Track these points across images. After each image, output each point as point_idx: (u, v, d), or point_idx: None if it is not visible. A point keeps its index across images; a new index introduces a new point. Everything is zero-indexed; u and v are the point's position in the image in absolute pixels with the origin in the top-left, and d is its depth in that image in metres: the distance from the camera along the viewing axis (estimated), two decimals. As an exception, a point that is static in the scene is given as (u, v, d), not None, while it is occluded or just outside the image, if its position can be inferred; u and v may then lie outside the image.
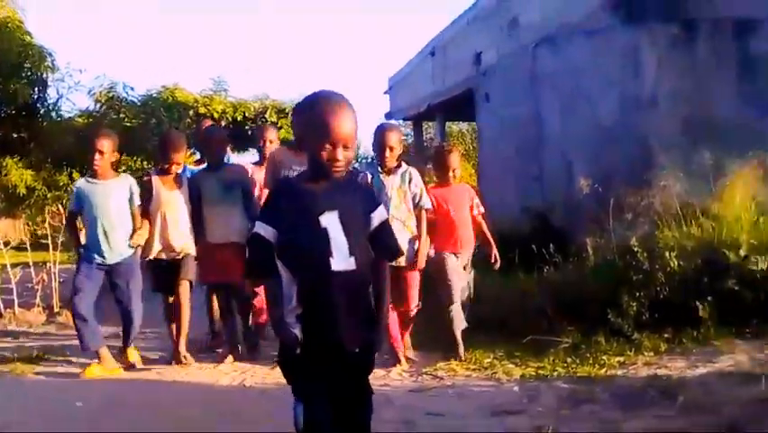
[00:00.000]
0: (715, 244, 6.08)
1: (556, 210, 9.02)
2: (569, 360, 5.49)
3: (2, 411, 4.68)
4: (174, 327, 6.19)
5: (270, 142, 7.03)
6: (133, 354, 6.21)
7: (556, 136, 9.86)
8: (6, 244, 9.10)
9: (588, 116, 9.09)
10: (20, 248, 9.87)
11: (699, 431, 3.76)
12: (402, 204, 5.72)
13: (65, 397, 4.92)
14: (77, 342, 5.97)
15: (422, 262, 5.80)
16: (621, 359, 5.42)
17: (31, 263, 8.95)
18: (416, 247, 5.74)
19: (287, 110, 20.37)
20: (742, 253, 5.78)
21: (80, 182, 6.21)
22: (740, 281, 5.73)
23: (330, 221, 2.69)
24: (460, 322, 5.98)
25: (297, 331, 2.70)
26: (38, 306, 8.57)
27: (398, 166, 5.83)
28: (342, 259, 2.66)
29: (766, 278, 5.71)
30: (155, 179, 6.23)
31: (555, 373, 5.21)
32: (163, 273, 6.18)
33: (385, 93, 20.38)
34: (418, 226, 5.80)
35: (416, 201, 5.80)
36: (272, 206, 2.87)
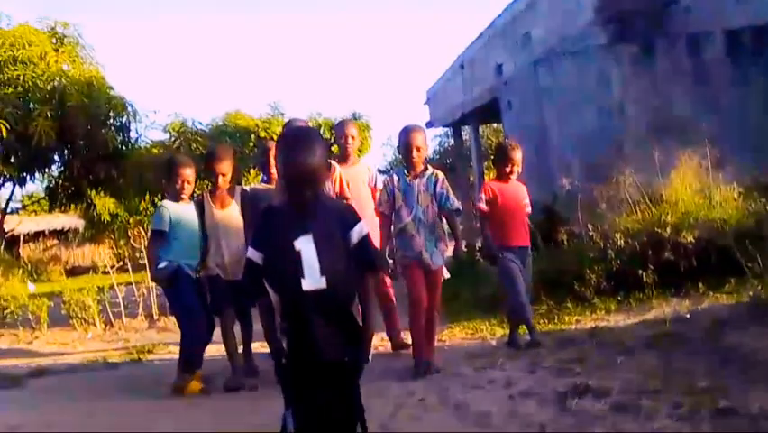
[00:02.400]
0: (655, 225, 7.75)
1: (558, 203, 10.76)
2: (541, 321, 7.20)
3: (133, 382, 6.59)
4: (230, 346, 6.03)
5: (353, 138, 6.73)
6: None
7: (555, 140, 11.60)
8: (113, 266, 11.15)
9: (575, 124, 10.85)
10: (119, 269, 11.97)
11: (602, 354, 5.52)
12: (430, 207, 5.80)
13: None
14: (174, 340, 6.86)
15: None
16: (579, 318, 7.17)
17: (132, 281, 10.90)
18: (444, 250, 5.95)
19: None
20: (668, 230, 7.44)
21: (168, 204, 6.04)
22: (674, 253, 7.41)
23: (303, 244, 2.88)
24: (526, 311, 6.30)
25: (284, 344, 3.00)
26: (141, 315, 10.59)
27: (425, 169, 5.90)
28: (312, 279, 2.86)
29: (695, 249, 7.38)
30: (206, 198, 6.15)
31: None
32: (220, 292, 5.99)
33: (425, 104, 22.15)
34: (452, 228, 6.01)
35: (443, 203, 5.84)
36: (259, 232, 3.10)
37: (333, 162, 6.21)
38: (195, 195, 6.41)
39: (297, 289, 2.86)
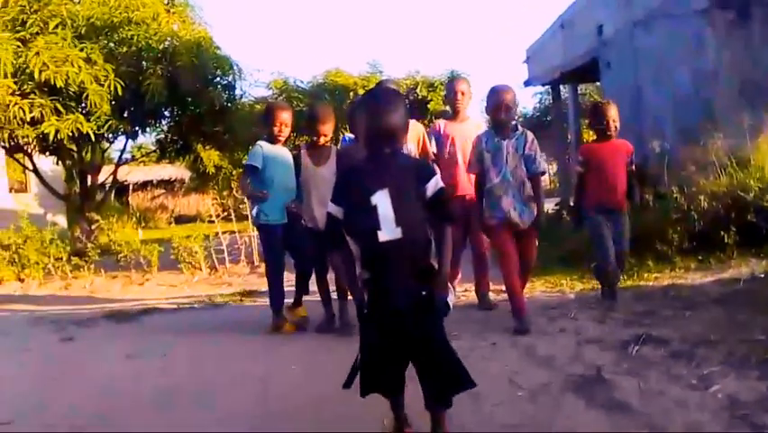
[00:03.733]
0: (740, 188, 7.87)
1: (648, 164, 10.88)
2: (622, 277, 7.40)
3: (236, 320, 7.18)
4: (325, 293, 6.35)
5: (462, 94, 6.83)
6: (304, 311, 6.51)
7: (650, 102, 11.68)
8: (218, 216, 11.88)
9: (670, 87, 10.92)
10: (223, 219, 12.70)
11: (672, 308, 5.80)
12: (518, 168, 5.78)
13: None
14: None
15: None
16: (658, 275, 7.39)
17: (236, 230, 11.61)
18: (533, 209, 5.86)
19: (435, 84, 22.50)
20: (752, 194, 7.55)
21: (263, 144, 6.27)
22: (757, 216, 7.54)
23: (380, 199, 3.09)
24: (615, 277, 6.42)
25: (365, 294, 3.23)
26: (243, 261, 11.27)
27: (515, 129, 5.88)
28: (388, 230, 3.07)
29: (778, 212, 7.49)
30: (303, 153, 6.29)
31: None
32: (314, 244, 6.10)
33: (524, 62, 22.16)
34: (535, 191, 5.87)
35: (530, 166, 5.82)
36: (339, 188, 3.31)
37: (413, 121, 6.17)
38: (292, 144, 6.69)
39: (374, 240, 3.09)
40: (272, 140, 6.29)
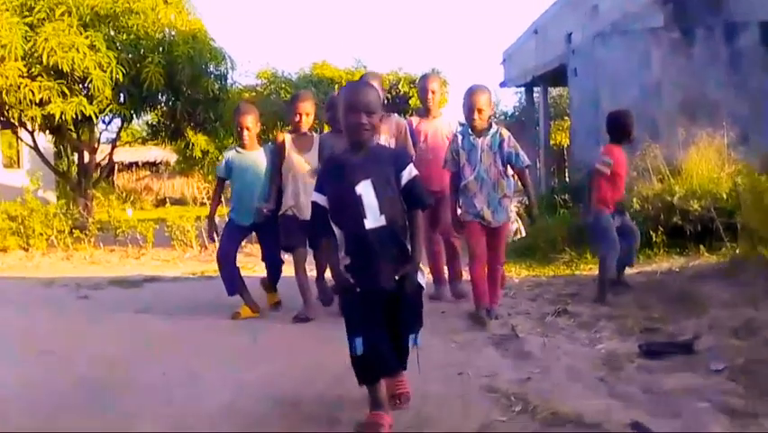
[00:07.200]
0: (667, 193, 9.04)
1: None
2: (561, 267, 8.66)
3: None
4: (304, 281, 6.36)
5: (433, 92, 6.94)
6: (275, 297, 6.84)
7: (605, 111, 12.83)
8: (208, 198, 12.90)
9: (622, 97, 12.09)
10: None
11: (588, 292, 6.92)
12: (493, 166, 5.85)
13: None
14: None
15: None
16: (593, 266, 8.52)
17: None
18: (508, 207, 6.05)
19: (416, 81, 23.60)
20: (677, 198, 8.73)
21: (231, 153, 6.55)
22: (682, 218, 8.70)
23: (364, 188, 3.28)
24: (606, 272, 6.69)
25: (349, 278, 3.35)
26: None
27: (489, 128, 5.91)
28: (373, 218, 3.29)
29: (699, 215, 8.65)
30: (288, 140, 6.37)
31: (543, 274, 8.38)
32: (292, 229, 6.23)
33: (500, 64, 23.37)
34: (525, 186, 6.13)
35: (515, 162, 5.89)
36: (323, 178, 3.48)
37: (396, 116, 6.64)
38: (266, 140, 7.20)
39: (360, 228, 3.31)
40: (241, 144, 6.53)
